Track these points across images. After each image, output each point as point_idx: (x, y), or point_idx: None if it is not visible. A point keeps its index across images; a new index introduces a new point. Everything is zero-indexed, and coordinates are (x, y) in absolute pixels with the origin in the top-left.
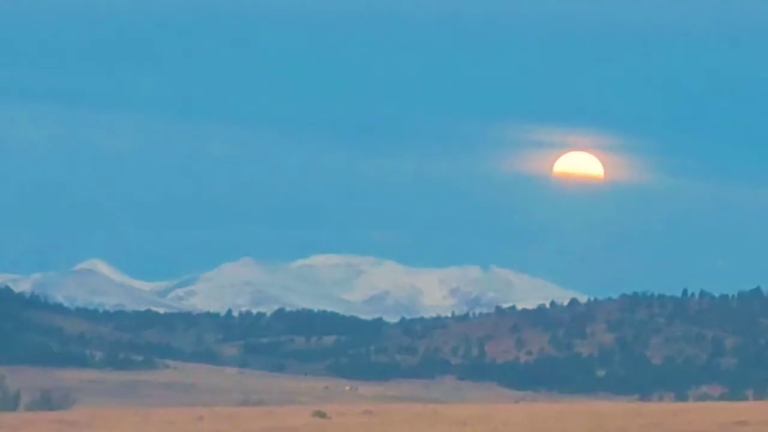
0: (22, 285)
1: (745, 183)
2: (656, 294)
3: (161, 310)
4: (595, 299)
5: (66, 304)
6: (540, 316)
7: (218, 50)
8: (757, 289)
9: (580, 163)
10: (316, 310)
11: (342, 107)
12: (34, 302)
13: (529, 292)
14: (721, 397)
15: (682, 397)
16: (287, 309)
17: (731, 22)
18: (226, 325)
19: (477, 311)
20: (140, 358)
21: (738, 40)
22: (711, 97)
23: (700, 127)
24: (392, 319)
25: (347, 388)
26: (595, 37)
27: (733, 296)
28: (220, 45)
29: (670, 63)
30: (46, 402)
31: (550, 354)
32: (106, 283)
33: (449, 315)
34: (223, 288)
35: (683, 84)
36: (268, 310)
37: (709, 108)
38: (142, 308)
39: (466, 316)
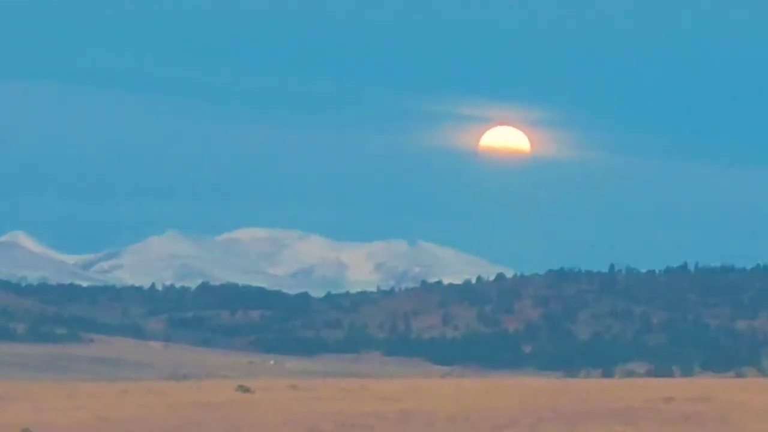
0: None
1: (673, 157)
2: (583, 270)
3: (86, 284)
4: (522, 275)
5: None
6: (467, 292)
7: (139, 20)
8: (684, 266)
9: (506, 138)
10: (241, 284)
11: (268, 79)
12: None
13: (456, 268)
14: (648, 374)
15: (608, 374)
16: (212, 283)
17: None
18: (152, 299)
19: (403, 286)
20: (65, 332)
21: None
22: (643, 69)
23: (629, 100)
24: (318, 293)
25: (272, 362)
26: (521, 2)
27: (660, 272)
28: (142, 13)
29: (599, 31)
30: None
31: (477, 329)
32: (28, 255)
33: (375, 290)
34: (149, 262)
35: (613, 56)
36: (193, 284)
37: (640, 80)
38: (66, 281)
39: (392, 291)
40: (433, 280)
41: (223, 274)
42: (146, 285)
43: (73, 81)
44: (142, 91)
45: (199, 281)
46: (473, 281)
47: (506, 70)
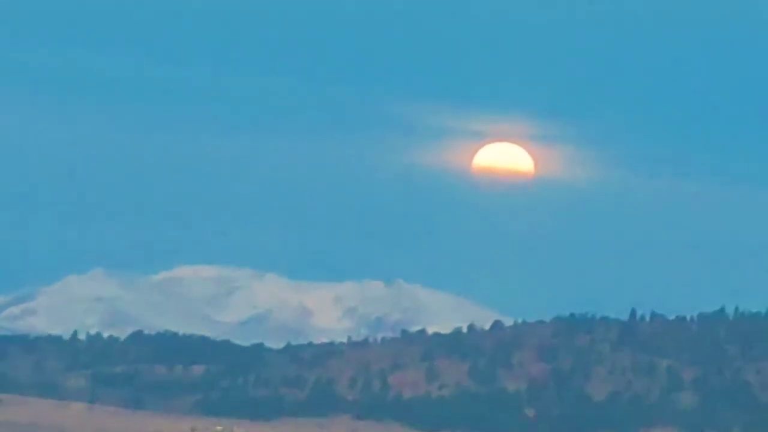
0: None
1: (709, 179)
2: (598, 316)
3: None
4: (524, 322)
5: None
6: (456, 342)
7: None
8: (722, 311)
9: (505, 156)
10: (181, 332)
11: (216, 85)
12: None
13: (443, 313)
14: None
15: None
16: (146, 331)
17: None
18: (72, 350)
19: (379, 336)
20: None
21: (688, 18)
22: (661, 79)
23: (651, 112)
24: (276, 344)
25: (219, 428)
26: (522, 6)
27: (692, 318)
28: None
29: (611, 38)
30: None
31: (469, 388)
32: None
33: (345, 340)
34: (69, 305)
35: (627, 62)
36: (122, 332)
37: (660, 90)
38: None
39: (365, 342)
40: (415, 328)
41: (159, 321)
42: (66, 334)
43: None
44: (61, 107)
45: (130, 329)
46: (464, 330)
47: (504, 77)
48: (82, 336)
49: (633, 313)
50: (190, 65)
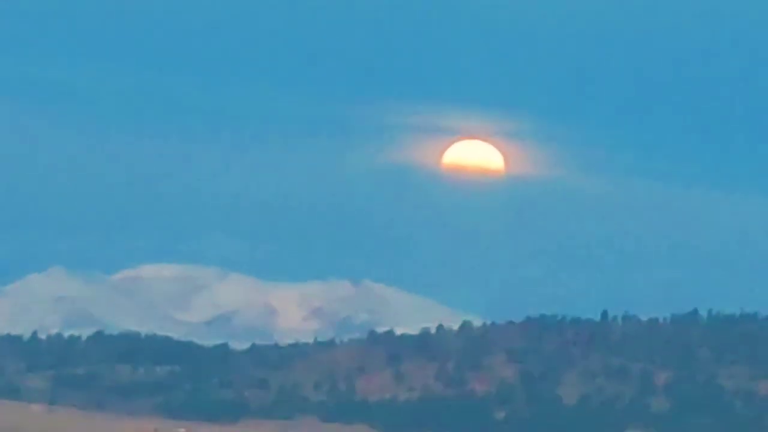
0: None
1: (682, 180)
2: (569, 317)
3: None
4: (493, 323)
5: None
6: (424, 344)
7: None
8: (695, 313)
9: (475, 153)
10: (144, 333)
11: (178, 84)
12: None
13: (411, 314)
14: None
15: None
16: (108, 332)
17: None
18: (32, 351)
19: (345, 337)
20: None
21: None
22: (641, 72)
23: (627, 109)
24: (240, 345)
25: (182, 431)
26: (492, 2)
27: (664, 320)
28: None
29: (585, 35)
30: None
31: (437, 391)
32: None
33: (311, 341)
34: (28, 305)
35: (603, 55)
36: (83, 332)
37: (639, 83)
38: None
39: (331, 343)
40: (382, 329)
41: (121, 321)
42: (25, 334)
43: None
44: (18, 102)
45: (92, 329)
46: (432, 331)
47: (475, 72)
48: (42, 336)
49: (605, 314)
50: (156, 73)
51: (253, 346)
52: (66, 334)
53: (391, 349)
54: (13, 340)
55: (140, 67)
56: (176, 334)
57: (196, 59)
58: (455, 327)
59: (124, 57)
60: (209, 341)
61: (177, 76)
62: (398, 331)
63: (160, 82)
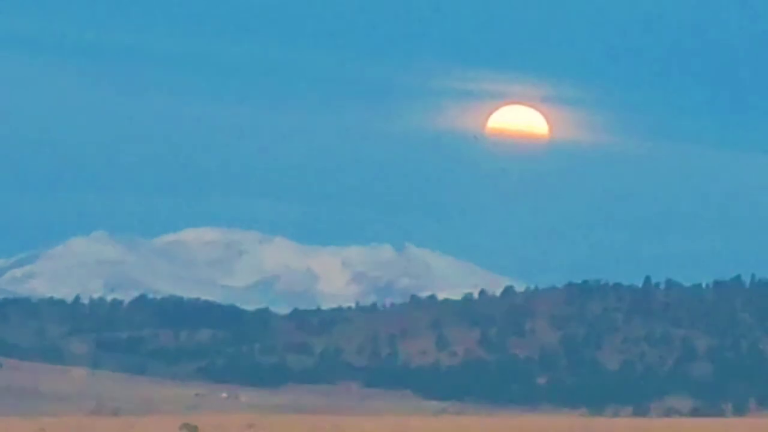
0: None
1: (724, 145)
2: (612, 283)
3: None
4: (536, 288)
5: None
6: (466, 309)
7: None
8: (738, 279)
9: (519, 118)
10: (186, 297)
11: (218, 47)
12: None
13: (453, 279)
14: (693, 413)
15: (642, 412)
16: (150, 296)
17: None
18: (74, 314)
19: (388, 301)
20: None
21: None
22: (678, 43)
23: (670, 72)
24: (282, 309)
25: (224, 395)
26: None
27: (707, 286)
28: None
29: (629, 3)
30: None
31: (480, 356)
32: None
33: (353, 305)
34: (71, 269)
35: (643, 26)
36: (126, 296)
37: (678, 54)
38: None
39: (374, 307)
40: (424, 294)
41: (163, 285)
42: (68, 298)
43: None
44: (68, 68)
45: (134, 294)
46: (475, 296)
47: (518, 38)
48: (84, 300)
49: (647, 280)
50: (201, 36)
51: (295, 310)
52: (108, 298)
53: (434, 314)
54: (55, 304)
55: (187, 33)
56: (218, 298)
57: (239, 25)
58: (498, 292)
59: (171, 22)
60: (251, 305)
61: (220, 41)
62: (440, 296)
63: (205, 47)
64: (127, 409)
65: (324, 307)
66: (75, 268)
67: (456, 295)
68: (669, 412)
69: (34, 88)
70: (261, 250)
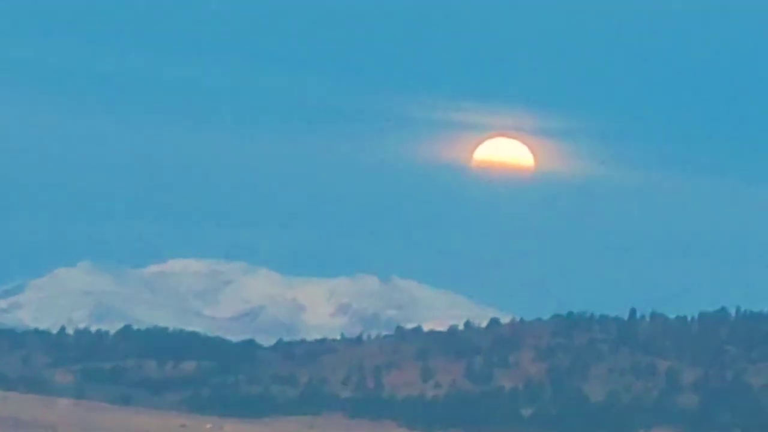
0: None
1: (711, 175)
2: (598, 314)
3: None
4: (522, 320)
5: None
6: (452, 340)
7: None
8: (723, 311)
9: (505, 150)
10: (171, 328)
11: (209, 79)
12: None
13: (439, 310)
14: None
15: None
16: (136, 326)
17: None
18: (60, 345)
19: (373, 333)
20: None
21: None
22: (663, 74)
23: (657, 104)
24: (267, 340)
25: (209, 426)
26: (523, 1)
27: (692, 318)
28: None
29: (613, 33)
30: None
31: (465, 387)
32: None
33: (338, 337)
34: (57, 299)
35: (629, 57)
36: (111, 327)
37: (662, 86)
38: None
39: (359, 339)
40: (410, 325)
41: (148, 316)
42: (53, 328)
43: None
44: (49, 96)
45: (120, 324)
46: (460, 327)
47: (505, 70)
48: (70, 330)
49: (633, 312)
50: (182, 63)
51: (280, 341)
52: (94, 328)
53: (419, 345)
54: (41, 334)
55: (170, 62)
56: (204, 329)
57: (222, 52)
58: (483, 324)
59: (155, 50)
60: (236, 336)
61: (205, 70)
62: (426, 328)
63: (191, 75)
64: None
65: (309, 338)
66: (61, 298)
67: (441, 327)
68: None
69: (19, 116)
70: (246, 281)
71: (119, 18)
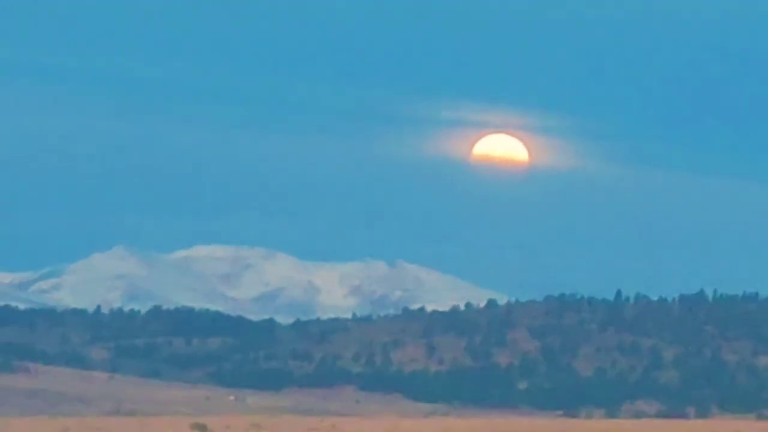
0: None
1: (692, 170)
2: (586, 296)
3: (21, 306)
4: (517, 301)
5: None
6: (454, 320)
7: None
8: (701, 294)
9: (502, 146)
10: (197, 308)
11: (229, 79)
12: None
13: (442, 292)
14: (659, 415)
15: (613, 414)
16: (165, 307)
17: None
18: (95, 323)
19: (382, 313)
20: None
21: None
22: (654, 73)
23: (642, 104)
24: (285, 320)
25: (232, 398)
26: (520, 1)
27: (673, 300)
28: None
29: (603, 30)
30: None
31: (465, 363)
32: None
33: (350, 317)
34: (93, 281)
35: (620, 55)
36: (142, 307)
37: (655, 80)
38: (0, 303)
39: (369, 318)
40: (415, 306)
41: (176, 297)
42: (90, 308)
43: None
44: (93, 96)
45: (150, 305)
46: (461, 308)
47: (502, 71)
48: (105, 310)
49: (619, 294)
50: (204, 65)
51: (297, 321)
52: (126, 308)
53: (424, 324)
54: (78, 314)
55: (201, 64)
56: (227, 309)
57: (246, 55)
58: (482, 305)
59: (190, 56)
60: (257, 316)
61: (229, 71)
62: (430, 308)
63: (214, 72)
64: (143, 410)
65: (323, 318)
66: (96, 281)
67: (444, 308)
68: (638, 415)
69: (60, 114)
70: (266, 266)
71: (156, 24)
